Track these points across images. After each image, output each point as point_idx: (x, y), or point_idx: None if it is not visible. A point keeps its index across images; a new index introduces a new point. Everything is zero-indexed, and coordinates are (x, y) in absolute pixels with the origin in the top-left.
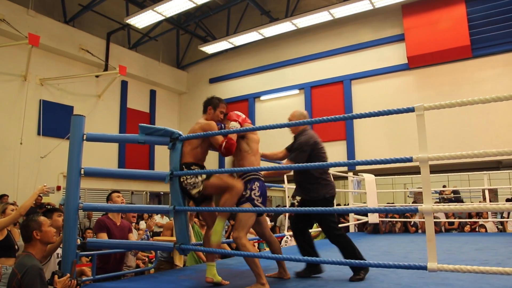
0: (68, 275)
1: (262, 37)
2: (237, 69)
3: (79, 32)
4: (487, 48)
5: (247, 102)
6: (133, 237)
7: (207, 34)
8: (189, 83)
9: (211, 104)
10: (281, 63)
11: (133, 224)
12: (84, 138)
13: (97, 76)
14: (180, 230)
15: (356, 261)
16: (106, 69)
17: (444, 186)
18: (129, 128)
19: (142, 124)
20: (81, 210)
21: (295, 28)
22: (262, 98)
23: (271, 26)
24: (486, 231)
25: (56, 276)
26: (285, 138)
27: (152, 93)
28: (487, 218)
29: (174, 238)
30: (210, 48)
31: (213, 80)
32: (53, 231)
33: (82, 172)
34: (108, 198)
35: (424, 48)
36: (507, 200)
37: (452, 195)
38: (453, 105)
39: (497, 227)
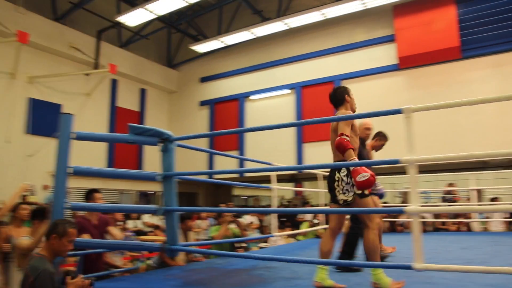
0: (81, 275)
1: (254, 37)
2: (228, 69)
3: (69, 30)
4: (476, 49)
5: (238, 102)
6: (115, 231)
7: (198, 33)
8: (180, 82)
9: (346, 92)
10: (272, 63)
11: (120, 223)
12: (73, 137)
13: (87, 75)
14: (170, 230)
15: (344, 261)
16: (96, 67)
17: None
18: (119, 127)
19: (132, 124)
20: (69, 210)
21: (287, 27)
22: (253, 97)
23: (262, 26)
24: (469, 230)
25: (69, 277)
26: (276, 138)
27: (142, 92)
28: (472, 218)
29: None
30: (202, 47)
31: (204, 79)
32: (68, 250)
33: (70, 171)
34: (89, 197)
35: (415, 49)
36: (492, 199)
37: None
38: (441, 107)
39: (484, 227)
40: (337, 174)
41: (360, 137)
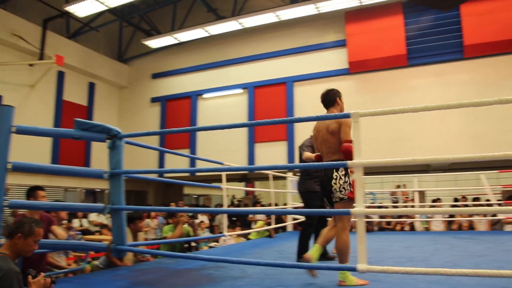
0: (43, 274)
1: (208, 35)
2: (181, 66)
3: (11, 16)
4: (421, 58)
5: (190, 100)
6: (58, 230)
7: (151, 28)
8: (131, 77)
9: (338, 95)
10: (225, 62)
11: (65, 222)
12: (13, 130)
13: (30, 65)
14: (117, 230)
15: (291, 263)
16: (41, 58)
17: (398, 187)
18: (65, 121)
19: (78, 119)
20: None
21: (241, 27)
22: (205, 96)
23: (217, 24)
24: (413, 229)
25: (30, 277)
26: (228, 138)
27: (91, 86)
28: (415, 218)
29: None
30: (154, 43)
31: (156, 75)
32: (33, 250)
33: (9, 167)
34: (31, 195)
35: (364, 55)
36: (433, 201)
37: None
38: (386, 113)
39: (425, 227)
40: (335, 173)
41: None
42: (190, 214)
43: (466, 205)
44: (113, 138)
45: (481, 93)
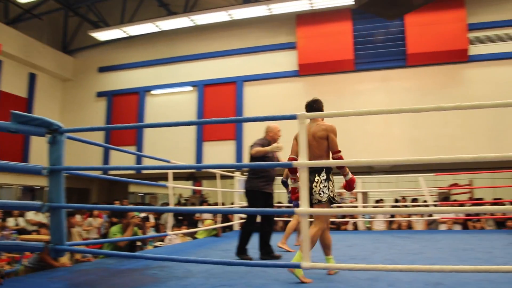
0: None
1: (159, 30)
2: (129, 60)
3: None
4: (367, 63)
5: (138, 95)
6: None
7: (99, 19)
8: (76, 70)
9: (322, 105)
10: (176, 58)
11: None
12: None
13: None
14: (56, 229)
15: (237, 261)
16: None
17: None
18: (1, 113)
19: (15, 111)
20: None
21: (193, 24)
22: (154, 92)
23: (168, 20)
24: (356, 229)
25: None
26: (176, 136)
27: (32, 77)
28: (358, 218)
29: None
30: (102, 35)
31: (103, 69)
32: None
33: None
34: None
35: (314, 58)
36: (376, 201)
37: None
38: (331, 115)
39: (366, 226)
40: (317, 177)
41: (271, 140)
42: (141, 216)
43: (406, 206)
44: (53, 132)
45: (421, 99)
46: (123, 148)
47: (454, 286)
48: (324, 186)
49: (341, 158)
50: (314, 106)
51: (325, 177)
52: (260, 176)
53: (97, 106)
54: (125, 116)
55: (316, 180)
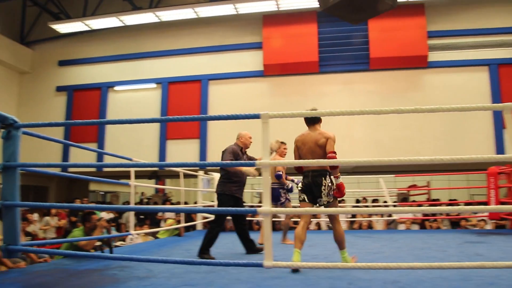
0: None
1: (123, 25)
2: (92, 54)
3: None
4: (331, 66)
5: (100, 91)
6: None
7: (60, 11)
8: (34, 63)
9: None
10: (140, 54)
11: None
12: None
13: None
14: (9, 228)
15: (199, 260)
16: None
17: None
18: None
19: None
20: None
21: (158, 20)
22: (117, 88)
23: (133, 15)
24: (319, 228)
25: None
26: (139, 133)
27: None
28: (320, 217)
29: None
30: (63, 27)
31: (63, 63)
32: None
33: None
34: None
35: (279, 58)
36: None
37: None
38: (294, 116)
39: (328, 225)
40: (324, 181)
41: (243, 146)
42: (108, 217)
43: (366, 206)
44: (8, 127)
45: (383, 103)
46: (84, 145)
47: (411, 283)
48: (331, 189)
49: (334, 158)
50: (313, 118)
51: (330, 181)
52: (233, 181)
53: (56, 101)
54: (86, 112)
55: (324, 184)
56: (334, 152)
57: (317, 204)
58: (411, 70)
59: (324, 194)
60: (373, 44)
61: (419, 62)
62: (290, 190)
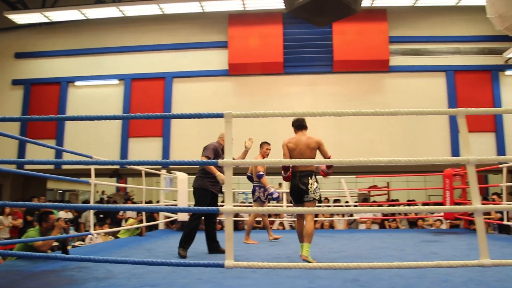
0: None
1: (84, 18)
2: (51, 48)
3: None
4: (296, 67)
5: (59, 86)
6: None
7: (17, 0)
8: None
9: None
10: (102, 49)
11: None
12: None
13: None
14: None
15: (159, 261)
16: None
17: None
18: None
19: None
20: None
21: (122, 15)
22: (78, 83)
23: (95, 8)
24: (283, 228)
25: None
26: (100, 130)
27: None
28: (283, 217)
29: None
30: (20, 18)
31: (20, 55)
32: None
33: None
34: None
35: (244, 58)
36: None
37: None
38: (257, 116)
39: (290, 225)
40: (310, 180)
41: (222, 145)
42: (67, 217)
43: (328, 206)
44: None
45: (345, 105)
46: (41, 141)
47: (370, 281)
48: (317, 187)
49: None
50: (303, 124)
51: (314, 180)
52: (210, 176)
53: (12, 95)
54: (44, 107)
55: (310, 183)
56: (330, 156)
57: (303, 202)
58: (373, 73)
59: (311, 191)
60: (337, 47)
61: (381, 66)
62: (270, 195)
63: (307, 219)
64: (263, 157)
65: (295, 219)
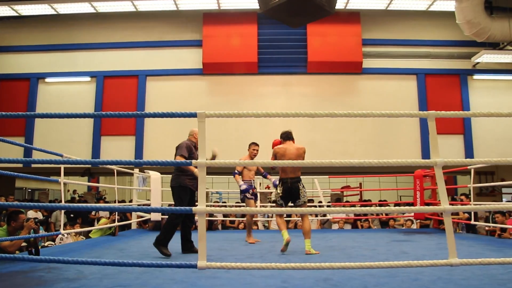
0: None
1: (55, 13)
2: (20, 42)
3: None
4: (270, 67)
5: (29, 82)
6: None
7: None
8: None
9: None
10: (74, 46)
11: None
12: None
13: None
14: None
15: (131, 261)
16: None
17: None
18: None
19: None
20: None
21: (94, 11)
22: (48, 80)
23: (67, 3)
24: (257, 228)
25: None
26: (71, 128)
27: None
28: (257, 217)
29: None
30: None
31: None
32: None
33: None
34: None
35: (218, 57)
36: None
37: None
38: (231, 116)
39: (263, 225)
40: (300, 186)
41: (196, 141)
42: (38, 217)
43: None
44: None
45: (319, 106)
46: (10, 139)
47: (342, 280)
48: (305, 191)
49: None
50: (290, 136)
51: (302, 185)
52: (188, 173)
53: None
54: (12, 104)
55: (300, 188)
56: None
57: (295, 204)
58: (346, 75)
59: (301, 195)
60: (311, 48)
61: (354, 68)
62: (243, 191)
63: (303, 219)
64: (251, 158)
65: (272, 219)
